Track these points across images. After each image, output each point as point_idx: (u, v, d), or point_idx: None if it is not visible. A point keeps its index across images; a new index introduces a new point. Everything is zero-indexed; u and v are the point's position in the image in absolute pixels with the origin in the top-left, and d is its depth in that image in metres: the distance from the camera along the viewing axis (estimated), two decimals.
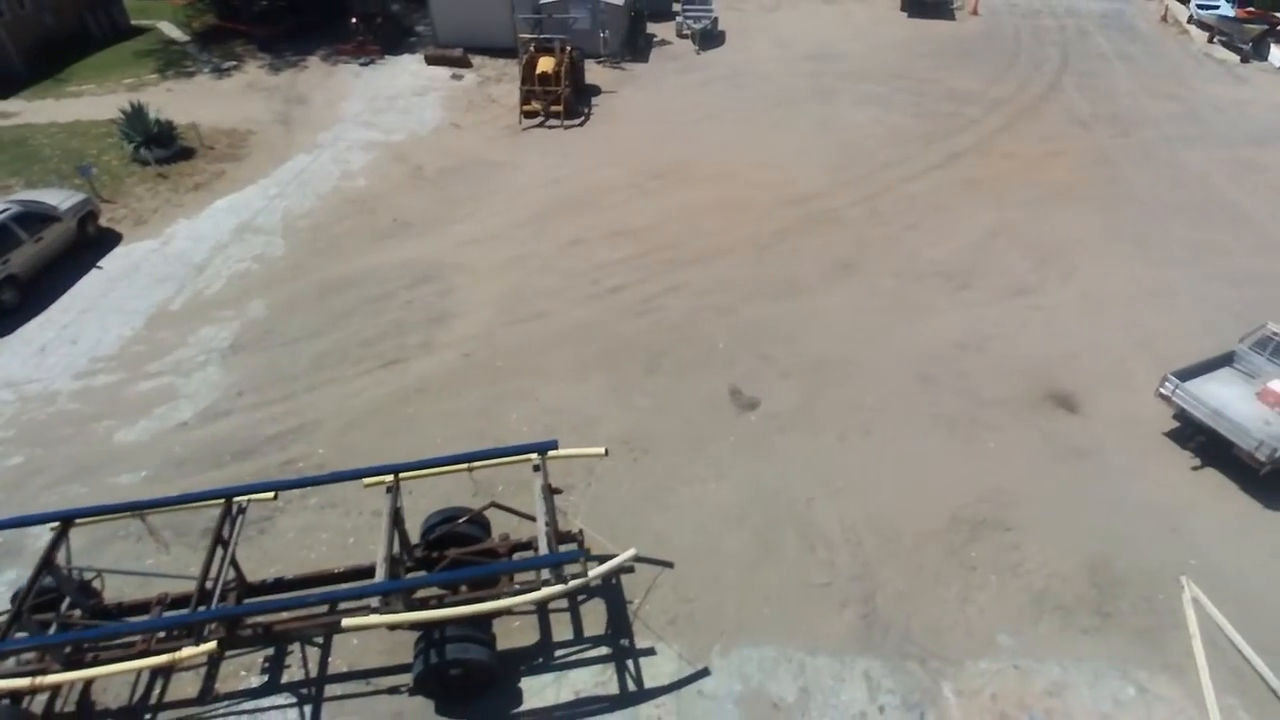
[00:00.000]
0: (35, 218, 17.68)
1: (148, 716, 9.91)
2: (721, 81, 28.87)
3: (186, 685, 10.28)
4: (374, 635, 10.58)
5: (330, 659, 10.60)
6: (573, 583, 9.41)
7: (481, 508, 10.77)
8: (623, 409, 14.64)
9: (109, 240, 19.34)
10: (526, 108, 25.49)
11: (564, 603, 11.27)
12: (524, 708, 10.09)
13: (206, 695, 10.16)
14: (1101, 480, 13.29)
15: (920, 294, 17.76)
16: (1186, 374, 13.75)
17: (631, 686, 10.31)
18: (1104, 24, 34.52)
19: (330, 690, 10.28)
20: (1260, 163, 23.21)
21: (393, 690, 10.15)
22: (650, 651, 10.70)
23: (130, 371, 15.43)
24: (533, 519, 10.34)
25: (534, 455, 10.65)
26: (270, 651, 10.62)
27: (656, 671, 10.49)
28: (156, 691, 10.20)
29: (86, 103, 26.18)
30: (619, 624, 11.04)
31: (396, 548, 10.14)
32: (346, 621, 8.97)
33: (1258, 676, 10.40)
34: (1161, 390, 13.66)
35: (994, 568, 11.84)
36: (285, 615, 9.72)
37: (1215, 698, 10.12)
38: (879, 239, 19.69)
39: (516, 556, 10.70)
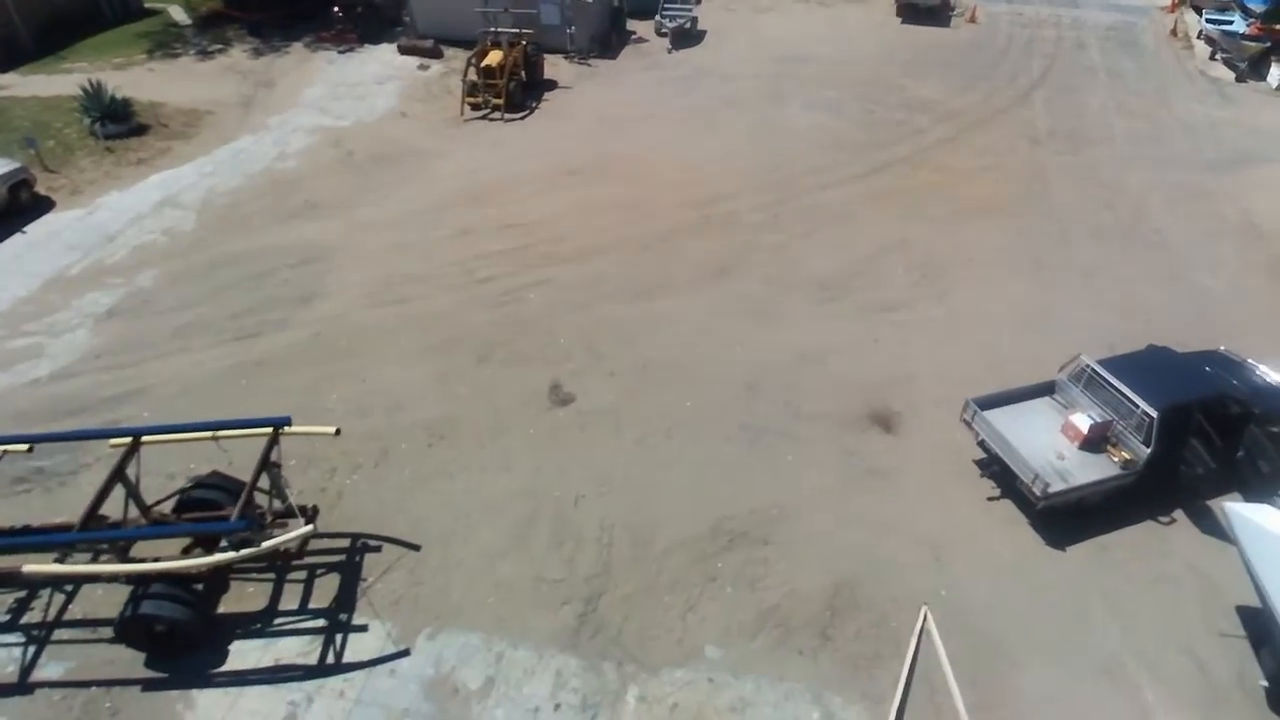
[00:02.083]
0: None
1: None
2: (681, 81, 28.76)
3: None
4: (118, 589, 11.21)
5: (70, 606, 11.31)
6: (244, 551, 9.88)
7: (205, 475, 11.32)
8: (440, 396, 14.99)
9: (42, 207, 20.71)
10: (471, 100, 26.01)
11: (302, 574, 11.76)
12: (224, 668, 10.60)
13: None
14: (886, 503, 12.96)
15: (785, 303, 17.51)
16: (994, 401, 13.27)
17: (330, 660, 10.70)
18: (1107, 37, 32.84)
19: (59, 635, 11.00)
20: (1207, 189, 21.83)
21: (112, 641, 10.75)
22: (363, 629, 11.07)
23: (9, 329, 16.58)
24: (267, 489, 10.86)
25: (269, 429, 11.12)
26: (22, 594, 11.43)
27: (362, 648, 10.85)
28: None
29: (75, 79, 27.73)
30: (345, 600, 11.43)
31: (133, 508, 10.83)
32: (26, 569, 9.62)
33: (955, 715, 10.06)
34: (964, 415, 13.22)
35: (734, 580, 11.74)
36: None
37: None
38: (768, 246, 19.44)
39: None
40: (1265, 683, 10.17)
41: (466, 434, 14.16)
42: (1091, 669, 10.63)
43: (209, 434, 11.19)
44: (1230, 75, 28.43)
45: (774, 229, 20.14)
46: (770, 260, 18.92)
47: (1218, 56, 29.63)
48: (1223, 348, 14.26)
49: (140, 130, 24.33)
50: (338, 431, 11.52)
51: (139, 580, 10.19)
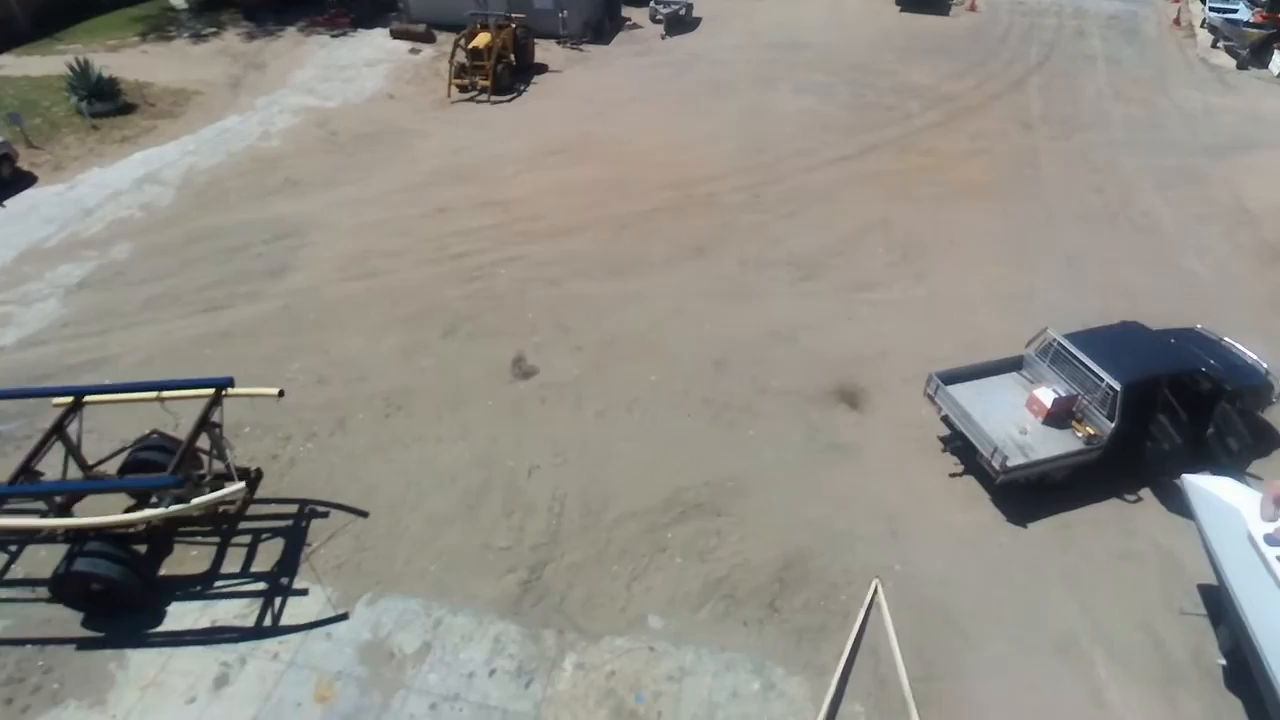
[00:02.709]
0: None
1: None
2: (671, 66, 28.56)
3: None
4: (63, 550, 11.11)
5: (14, 566, 11.22)
6: (174, 507, 9.75)
7: (149, 436, 11.20)
8: (403, 367, 14.84)
9: (23, 182, 20.73)
10: (458, 81, 25.91)
11: (247, 538, 11.63)
12: (160, 629, 10.46)
13: None
14: (846, 478, 12.69)
15: (760, 282, 17.25)
16: (958, 375, 12.99)
17: (268, 622, 10.55)
18: (1108, 25, 32.35)
19: None
20: (1201, 174, 21.38)
21: (50, 600, 10.63)
22: (303, 593, 10.91)
23: None
24: (200, 449, 10.75)
25: (211, 390, 11.01)
26: None
27: (300, 611, 10.69)
28: None
29: (67, 59, 27.93)
30: (288, 563, 11.28)
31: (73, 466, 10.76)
32: None
33: (899, 687, 9.79)
34: (927, 390, 12.93)
35: (684, 551, 11.51)
36: None
37: (834, 702, 9.60)
38: (746, 226, 19.17)
39: None
40: (1224, 661, 9.82)
41: (426, 405, 14.00)
42: (1044, 644, 10.33)
43: (153, 394, 11.08)
44: (1232, 63, 27.94)
45: (755, 209, 19.87)
46: (748, 240, 18.65)
47: (1220, 44, 29.12)
48: (1199, 326, 13.91)
49: (127, 109, 24.39)
50: (281, 393, 11.36)
51: (74, 538, 10.09)
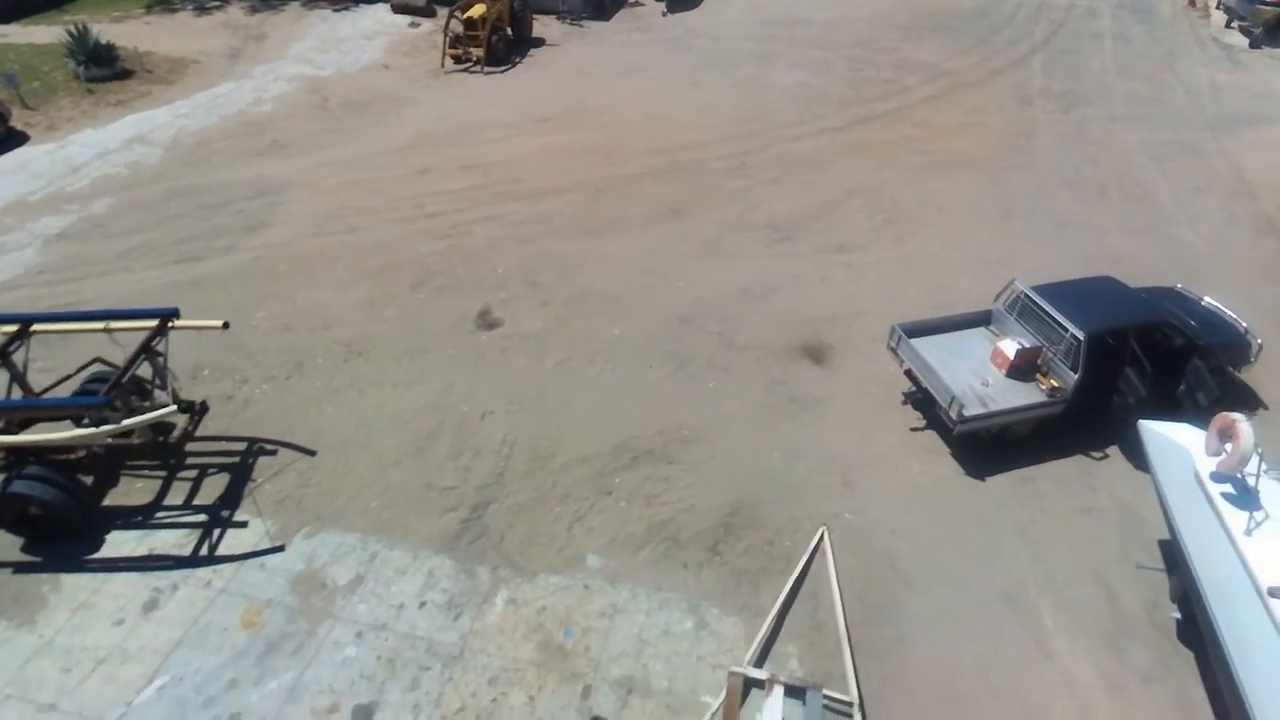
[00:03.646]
0: None
1: None
2: (670, 42, 28.34)
3: None
4: None
5: None
6: (104, 428, 9.72)
7: (86, 364, 11.21)
8: (367, 317, 14.76)
9: (15, 141, 20.96)
10: (452, 51, 25.89)
11: (193, 472, 11.59)
12: (97, 555, 10.43)
13: None
14: (804, 430, 12.41)
15: (737, 243, 16.99)
16: (923, 328, 12.64)
17: (204, 552, 10.49)
18: (1120, 4, 31.63)
19: None
20: (1201, 147, 20.77)
21: None
22: (243, 525, 10.84)
23: None
24: (147, 382, 10.74)
25: (156, 320, 10.98)
26: None
27: (237, 543, 10.62)
28: None
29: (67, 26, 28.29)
30: (231, 497, 11.23)
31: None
32: None
33: (835, 631, 9.51)
34: (890, 342, 12.61)
35: (630, 495, 11.30)
36: None
37: (766, 642, 9.35)
38: (729, 190, 18.91)
39: None
40: (1178, 614, 9.43)
41: (385, 352, 13.89)
42: (991, 594, 10.00)
43: (100, 324, 11.05)
44: (1244, 42, 27.21)
45: (739, 175, 19.60)
46: (728, 203, 18.39)
47: (1234, 24, 28.36)
48: (1179, 285, 13.47)
49: (124, 75, 24.60)
50: (225, 325, 11.31)
51: (13, 463, 10.09)
